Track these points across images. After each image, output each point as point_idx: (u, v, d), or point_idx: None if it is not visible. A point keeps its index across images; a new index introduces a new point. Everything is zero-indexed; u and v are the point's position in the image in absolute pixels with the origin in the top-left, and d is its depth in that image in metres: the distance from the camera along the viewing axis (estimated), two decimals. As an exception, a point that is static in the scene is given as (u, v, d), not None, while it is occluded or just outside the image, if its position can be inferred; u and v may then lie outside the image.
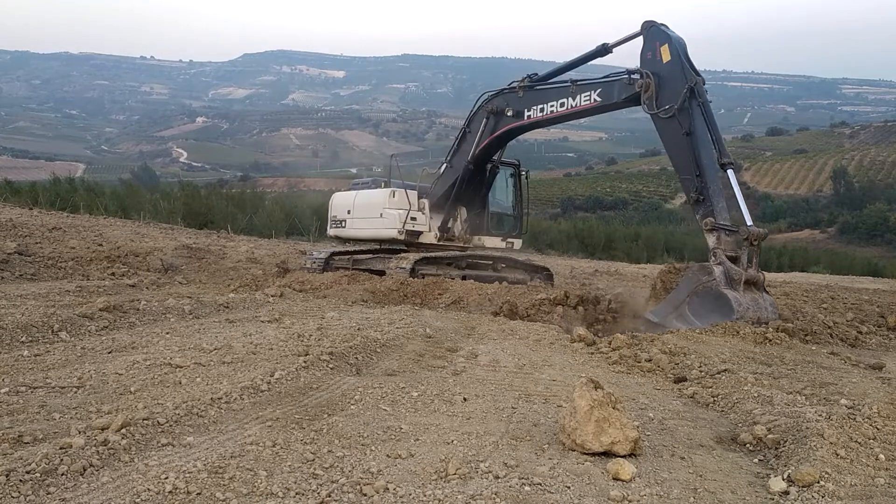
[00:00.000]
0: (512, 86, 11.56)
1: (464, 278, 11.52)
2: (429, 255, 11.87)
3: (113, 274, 10.88)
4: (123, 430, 3.08)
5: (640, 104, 9.32)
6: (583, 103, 10.25)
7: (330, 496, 2.67)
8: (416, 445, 3.32)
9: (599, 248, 37.73)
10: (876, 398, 4.30)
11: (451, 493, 2.73)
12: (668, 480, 3.04)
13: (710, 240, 8.19)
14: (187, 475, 2.71)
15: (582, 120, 11.39)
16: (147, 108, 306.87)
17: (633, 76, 9.34)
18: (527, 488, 2.82)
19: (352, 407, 3.93)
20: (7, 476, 2.58)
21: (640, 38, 9.40)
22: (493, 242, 13.12)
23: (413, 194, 12.44)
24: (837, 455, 3.20)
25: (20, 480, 2.57)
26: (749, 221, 8.14)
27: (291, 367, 4.54)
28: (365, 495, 2.70)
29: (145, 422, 3.22)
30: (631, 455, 3.24)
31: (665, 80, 8.96)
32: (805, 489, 2.86)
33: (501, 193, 13.68)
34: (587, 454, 3.24)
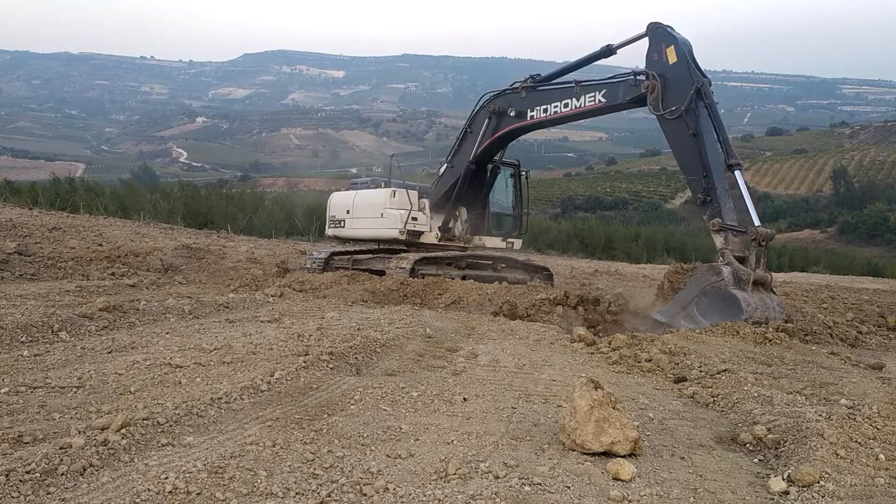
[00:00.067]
0: (514, 86, 11.54)
1: (464, 278, 11.52)
2: (429, 255, 11.87)
3: (113, 274, 10.89)
4: (123, 430, 3.08)
5: (645, 105, 9.32)
6: (587, 104, 10.23)
7: (330, 496, 2.67)
8: (416, 445, 3.32)
9: (599, 248, 37.75)
10: (876, 398, 4.30)
11: (451, 493, 2.73)
12: (668, 480, 3.04)
13: (718, 240, 8.20)
14: (187, 475, 2.71)
15: (582, 120, 11.36)
16: (147, 108, 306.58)
17: (638, 77, 9.33)
18: (527, 488, 2.82)
19: (352, 407, 3.93)
20: (7, 476, 2.58)
21: (645, 40, 9.40)
22: (493, 242, 13.14)
23: (414, 194, 12.45)
24: (837, 455, 3.20)
25: (20, 480, 2.57)
26: (757, 222, 8.15)
27: (291, 367, 4.54)
28: (365, 495, 2.70)
29: (145, 422, 3.22)
30: (631, 455, 3.24)
31: (671, 82, 8.95)
32: (805, 489, 2.86)
33: (501, 193, 13.68)
34: (587, 454, 3.24)
